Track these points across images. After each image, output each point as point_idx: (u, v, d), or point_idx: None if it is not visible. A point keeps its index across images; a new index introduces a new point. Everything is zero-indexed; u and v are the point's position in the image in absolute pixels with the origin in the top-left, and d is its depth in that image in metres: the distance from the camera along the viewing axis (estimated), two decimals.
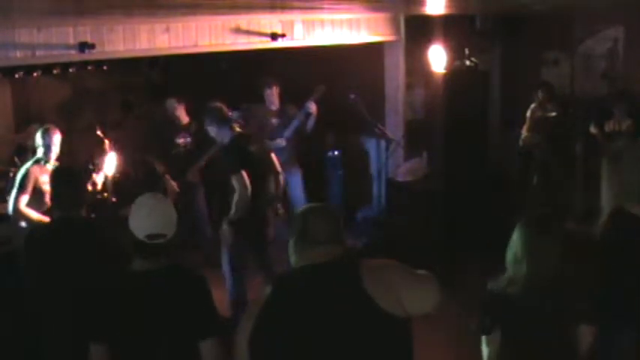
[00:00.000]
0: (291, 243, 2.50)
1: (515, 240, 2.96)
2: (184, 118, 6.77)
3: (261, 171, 5.22)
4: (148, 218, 2.63)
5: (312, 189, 7.44)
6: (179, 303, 2.59)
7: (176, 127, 6.77)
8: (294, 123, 6.95)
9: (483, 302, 3.02)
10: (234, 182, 4.91)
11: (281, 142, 6.97)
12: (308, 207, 2.60)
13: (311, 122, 6.97)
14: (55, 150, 5.18)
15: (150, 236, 2.60)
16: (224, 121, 5.21)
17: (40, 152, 5.18)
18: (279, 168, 5.55)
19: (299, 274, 2.44)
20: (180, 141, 6.73)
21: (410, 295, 2.35)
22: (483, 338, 3.01)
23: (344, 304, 2.32)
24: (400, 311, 2.31)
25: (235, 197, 4.95)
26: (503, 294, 2.94)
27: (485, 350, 3.01)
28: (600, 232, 3.29)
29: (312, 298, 2.34)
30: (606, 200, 3.32)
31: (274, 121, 7.05)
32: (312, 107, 6.87)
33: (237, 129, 5.28)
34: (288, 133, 6.98)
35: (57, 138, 5.19)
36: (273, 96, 7.01)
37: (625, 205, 3.24)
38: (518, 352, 2.98)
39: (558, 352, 2.98)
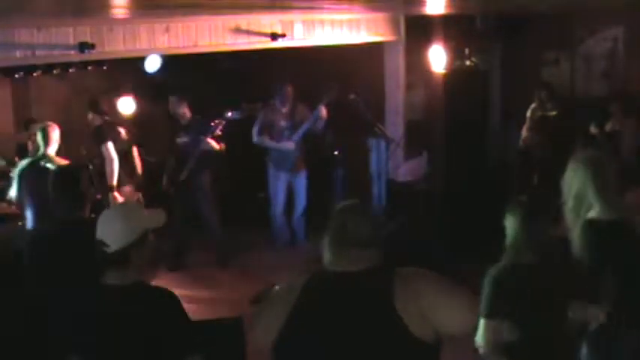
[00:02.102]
0: (325, 240, 2.38)
1: (511, 226, 3.10)
2: (186, 116, 6.78)
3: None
4: (101, 224, 2.60)
5: (315, 189, 7.46)
6: (148, 323, 2.52)
7: (177, 126, 6.78)
8: (304, 127, 6.95)
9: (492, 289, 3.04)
10: (104, 151, 6.34)
11: (289, 145, 6.98)
12: (346, 205, 2.45)
13: (320, 124, 6.98)
14: (55, 147, 5.34)
15: (98, 241, 2.56)
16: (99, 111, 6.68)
17: (41, 150, 5.30)
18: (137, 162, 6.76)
19: (331, 281, 2.33)
20: (178, 140, 6.73)
21: (442, 317, 2.22)
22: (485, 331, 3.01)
23: (372, 323, 2.22)
24: (430, 335, 2.20)
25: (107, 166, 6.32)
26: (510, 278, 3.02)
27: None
28: (582, 244, 3.31)
29: (341, 311, 2.25)
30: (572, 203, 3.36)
31: (282, 123, 7.05)
32: (323, 112, 6.89)
33: (107, 118, 6.72)
34: (296, 136, 6.98)
35: (56, 134, 5.36)
36: (284, 98, 7.01)
37: (587, 212, 3.30)
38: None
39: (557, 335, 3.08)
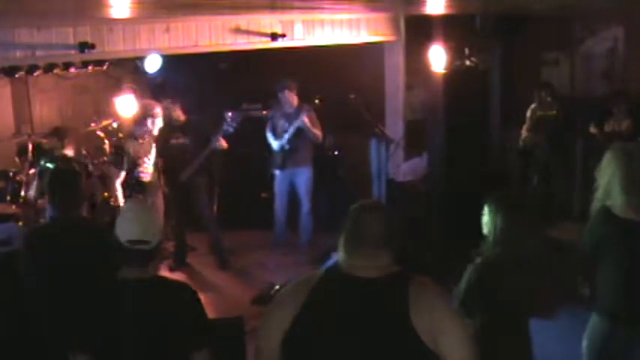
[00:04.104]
0: (340, 240, 2.35)
1: (494, 222, 3.04)
2: (180, 118, 6.77)
3: None
4: (131, 223, 2.60)
5: (315, 189, 7.46)
6: (167, 316, 2.56)
7: (172, 128, 6.74)
8: (290, 129, 6.98)
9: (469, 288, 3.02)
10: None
11: (273, 144, 7.06)
12: (362, 205, 2.40)
13: (309, 133, 6.97)
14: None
15: (131, 242, 2.57)
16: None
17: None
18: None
19: (344, 283, 2.29)
20: (174, 142, 6.71)
21: (442, 345, 2.19)
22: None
23: (385, 330, 2.20)
24: (435, 349, 2.18)
25: None
26: (482, 276, 3.00)
27: None
28: (586, 232, 3.33)
29: (354, 315, 2.22)
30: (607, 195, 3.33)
31: (281, 123, 7.08)
32: (304, 121, 6.89)
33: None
34: (283, 141, 7.01)
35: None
36: (285, 98, 7.01)
37: (609, 205, 3.28)
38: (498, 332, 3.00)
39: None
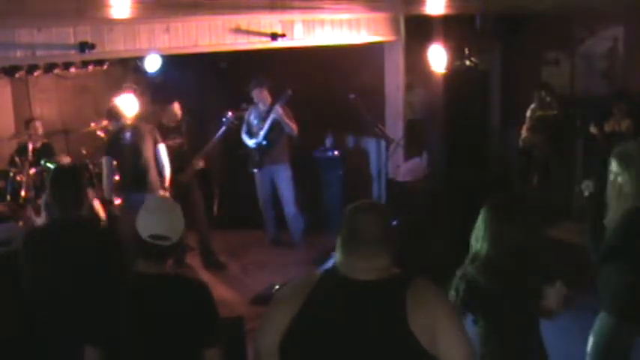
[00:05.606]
0: (338, 241, 2.33)
1: (479, 223, 3.09)
2: (177, 118, 6.77)
3: None
4: (155, 219, 2.63)
5: (315, 189, 7.46)
6: (183, 311, 2.58)
7: (167, 129, 6.73)
8: (265, 127, 6.99)
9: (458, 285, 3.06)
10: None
11: (249, 142, 7.13)
12: (357, 205, 2.37)
13: (287, 127, 6.96)
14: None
15: (153, 236, 2.59)
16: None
17: None
18: None
19: (342, 285, 2.27)
20: (170, 142, 6.70)
21: (441, 347, 2.17)
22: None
23: (383, 334, 2.18)
24: (433, 351, 2.17)
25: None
26: (469, 277, 3.03)
27: None
28: (618, 228, 3.32)
29: (351, 318, 2.21)
30: (617, 199, 3.32)
31: (255, 122, 7.10)
32: (278, 112, 6.90)
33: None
34: (259, 138, 7.02)
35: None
36: (257, 97, 7.03)
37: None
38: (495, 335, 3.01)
39: (524, 331, 3.06)
